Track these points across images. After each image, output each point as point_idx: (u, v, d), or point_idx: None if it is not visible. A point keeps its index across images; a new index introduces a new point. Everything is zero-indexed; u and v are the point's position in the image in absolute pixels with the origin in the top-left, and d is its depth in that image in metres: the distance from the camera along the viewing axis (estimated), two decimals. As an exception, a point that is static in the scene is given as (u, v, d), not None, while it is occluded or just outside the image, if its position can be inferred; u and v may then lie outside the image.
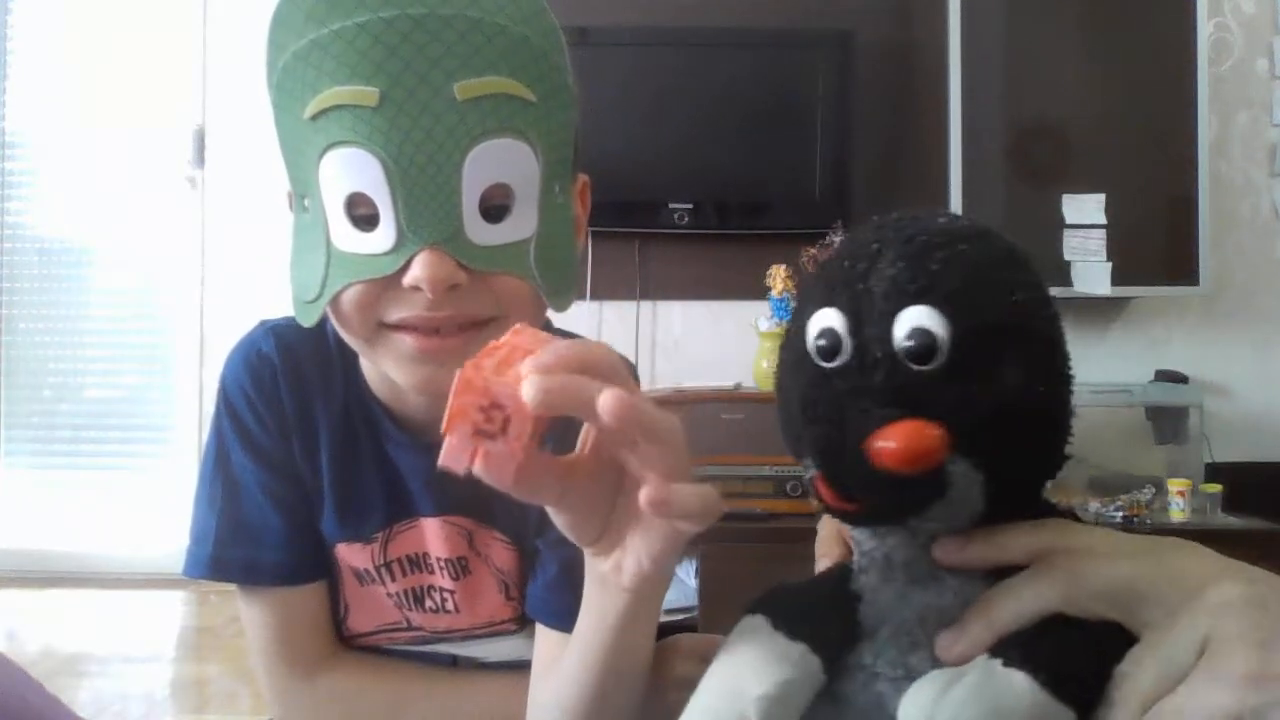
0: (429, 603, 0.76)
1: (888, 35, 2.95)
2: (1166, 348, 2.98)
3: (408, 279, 0.58)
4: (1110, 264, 2.69)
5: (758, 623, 0.44)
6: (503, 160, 0.58)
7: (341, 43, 0.54)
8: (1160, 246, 2.79)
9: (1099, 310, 2.89)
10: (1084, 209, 2.72)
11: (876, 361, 0.40)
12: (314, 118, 0.56)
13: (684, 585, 2.55)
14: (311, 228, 0.61)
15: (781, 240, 2.70)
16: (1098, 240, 2.71)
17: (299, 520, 0.74)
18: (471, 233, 0.58)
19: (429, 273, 0.57)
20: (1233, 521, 2.52)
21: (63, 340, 3.28)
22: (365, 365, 0.72)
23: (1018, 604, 0.39)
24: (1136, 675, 0.37)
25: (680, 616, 2.44)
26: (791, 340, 0.45)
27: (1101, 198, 2.74)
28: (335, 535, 0.75)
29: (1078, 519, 0.45)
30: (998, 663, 0.38)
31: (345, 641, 0.78)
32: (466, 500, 0.73)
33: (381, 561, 0.75)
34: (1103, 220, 2.73)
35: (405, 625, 0.78)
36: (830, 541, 0.48)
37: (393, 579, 0.75)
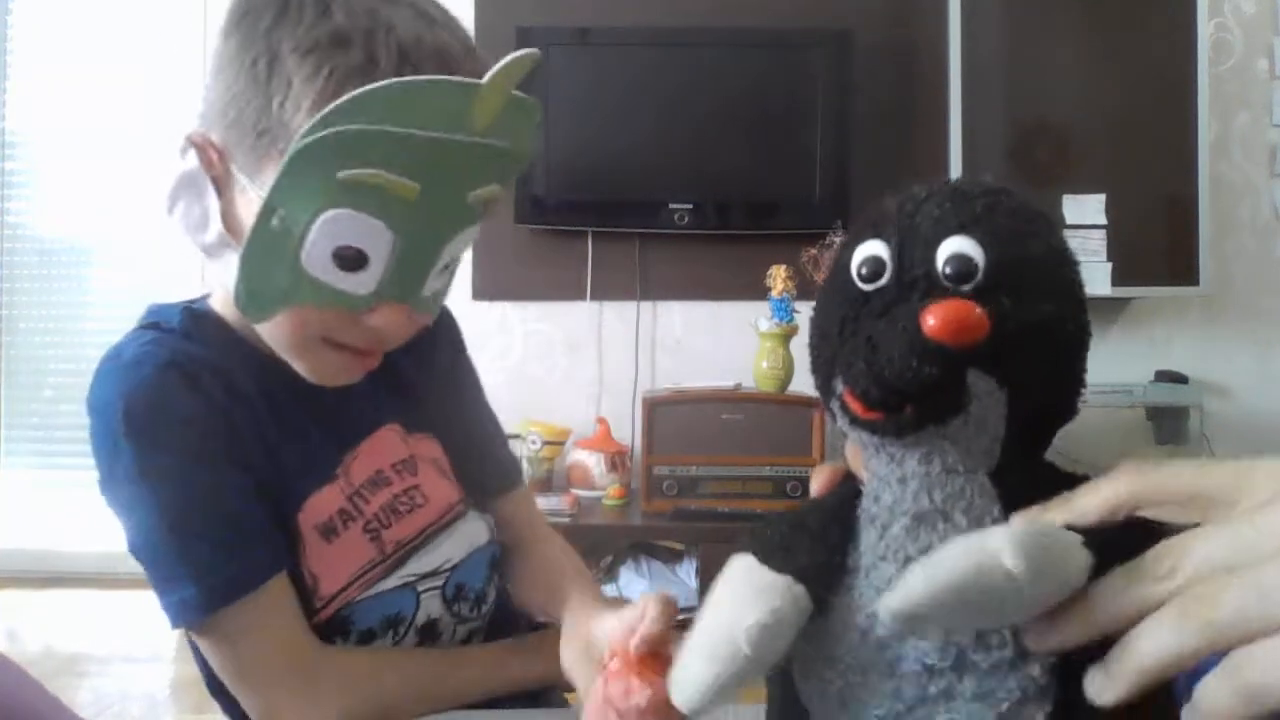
0: (402, 506, 0.81)
1: (888, 35, 2.95)
2: (1166, 348, 2.99)
3: (373, 321, 0.68)
4: (1110, 264, 2.69)
5: (744, 560, 0.44)
6: (470, 238, 0.70)
7: (411, 145, 0.62)
8: (1160, 246, 2.80)
9: (1099, 310, 2.87)
10: (1084, 209, 2.73)
11: (915, 280, 0.42)
12: (346, 180, 0.62)
13: (684, 585, 2.55)
14: (278, 239, 0.64)
15: (781, 240, 2.70)
16: (1098, 240, 2.71)
17: (263, 508, 0.74)
18: (426, 288, 0.70)
19: (394, 327, 0.69)
20: (1233, 521, 2.52)
21: (63, 340, 3.28)
22: (260, 342, 0.75)
23: (1101, 491, 0.37)
24: (1184, 544, 0.34)
25: (680, 616, 2.44)
26: (832, 275, 0.47)
27: (1101, 198, 2.74)
28: (309, 486, 0.76)
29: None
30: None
31: (314, 617, 0.76)
32: (389, 409, 0.83)
33: (353, 490, 0.78)
34: (1103, 220, 2.73)
35: (380, 558, 0.78)
36: (824, 469, 0.49)
37: (366, 502, 0.79)
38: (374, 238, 0.64)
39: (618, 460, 2.78)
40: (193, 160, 0.68)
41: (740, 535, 0.46)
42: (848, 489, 0.46)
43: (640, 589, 2.52)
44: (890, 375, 0.40)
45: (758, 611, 0.41)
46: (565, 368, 3.01)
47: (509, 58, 0.62)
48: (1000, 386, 0.41)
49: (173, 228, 0.70)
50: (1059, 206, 2.72)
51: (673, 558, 2.63)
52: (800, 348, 2.58)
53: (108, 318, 3.28)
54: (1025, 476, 0.42)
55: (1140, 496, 0.36)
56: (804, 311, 2.50)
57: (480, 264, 2.94)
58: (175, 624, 0.72)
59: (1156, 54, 2.78)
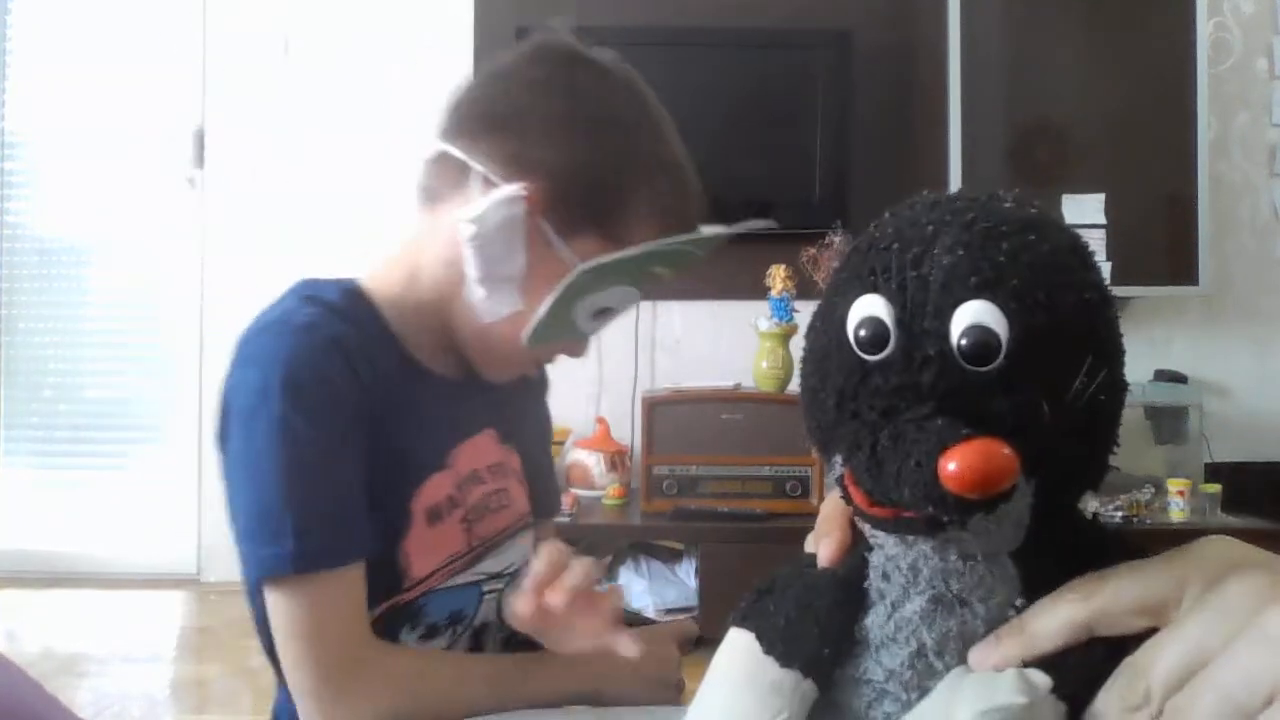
0: (492, 504, 0.88)
1: (887, 36, 2.95)
2: (1166, 348, 2.99)
3: (575, 351, 0.87)
4: (1110, 264, 2.69)
5: (747, 643, 0.41)
6: None
7: (697, 247, 0.82)
8: (1160, 246, 2.80)
9: (1099, 310, 2.89)
10: (1084, 209, 2.73)
11: (927, 360, 0.37)
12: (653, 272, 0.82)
13: (684, 585, 2.55)
14: (573, 296, 0.79)
15: (781, 240, 2.69)
16: (1098, 240, 2.71)
17: (377, 488, 0.79)
18: None
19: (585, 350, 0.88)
20: (1232, 521, 2.52)
21: (63, 340, 3.28)
22: (409, 328, 0.84)
23: (1051, 620, 0.37)
24: (1148, 660, 0.35)
25: (680, 616, 2.44)
26: (824, 325, 0.41)
27: (1101, 198, 2.74)
28: (426, 470, 0.82)
29: (1103, 528, 0.43)
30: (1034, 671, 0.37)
31: (397, 597, 0.80)
32: (489, 416, 0.90)
33: (460, 480, 0.85)
34: (1103, 220, 2.73)
35: (464, 551, 0.84)
36: (832, 521, 0.45)
37: (468, 494, 0.85)
38: (629, 300, 0.83)
39: (617, 460, 2.78)
40: (520, 207, 0.77)
41: (741, 591, 0.43)
42: (857, 559, 0.42)
43: (640, 589, 2.52)
44: (899, 504, 0.36)
45: None
46: (564, 367, 2.99)
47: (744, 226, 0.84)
48: (1029, 480, 0.36)
49: (457, 237, 0.78)
50: (1059, 206, 2.72)
51: (672, 557, 2.63)
52: (800, 347, 2.57)
53: (107, 318, 3.28)
54: (1051, 548, 0.39)
55: (1091, 623, 0.37)
56: (804, 311, 2.50)
57: (480, 264, 2.94)
58: (261, 572, 0.74)
59: (1156, 54, 2.78)
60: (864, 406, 0.38)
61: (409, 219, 0.85)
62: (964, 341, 0.36)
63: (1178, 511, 2.53)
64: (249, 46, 3.11)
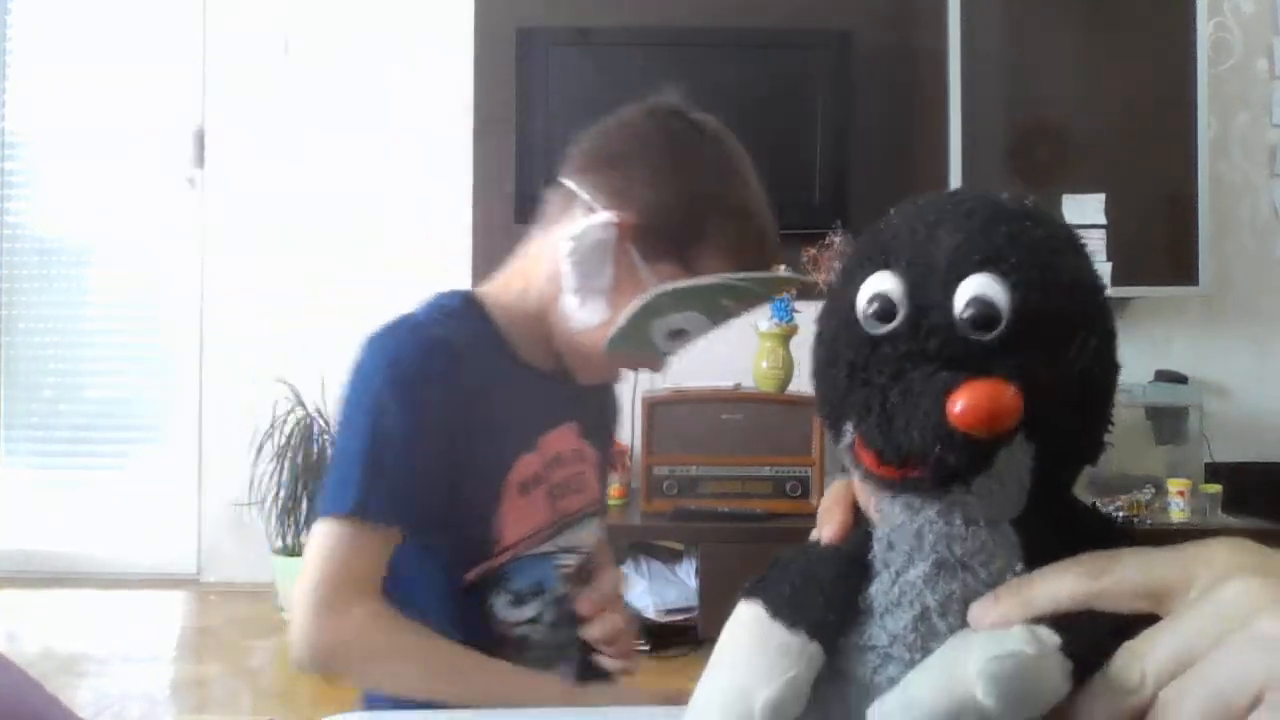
0: (572, 485, 1.01)
1: (887, 36, 2.95)
2: (1166, 348, 2.99)
3: (658, 367, 1.01)
4: (1110, 264, 2.69)
5: (754, 613, 0.43)
6: None
7: (760, 286, 0.95)
8: (1160, 246, 2.80)
9: (1099, 310, 2.90)
10: (1084, 209, 2.73)
11: (933, 328, 0.39)
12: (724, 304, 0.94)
13: (684, 585, 2.55)
14: (648, 315, 0.91)
15: (781, 240, 2.70)
16: (1098, 240, 2.71)
17: (472, 469, 0.91)
18: None
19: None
20: (1232, 521, 2.52)
21: (63, 340, 3.28)
22: (516, 331, 0.96)
23: (1054, 586, 0.38)
24: (1145, 647, 0.36)
25: (680, 617, 2.44)
26: (835, 308, 0.44)
27: (1101, 198, 2.74)
28: (519, 451, 0.94)
29: (1107, 519, 0.44)
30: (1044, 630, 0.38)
31: (489, 562, 0.91)
32: (571, 411, 1.01)
33: (545, 462, 0.97)
34: (1103, 220, 2.73)
35: (547, 524, 0.97)
36: (834, 508, 0.47)
37: (552, 473, 0.98)
38: (701, 327, 0.95)
39: (617, 460, 2.79)
40: (612, 232, 0.90)
41: (748, 562, 0.44)
42: (860, 535, 0.44)
43: (640, 589, 2.52)
44: (909, 451, 0.38)
45: (774, 683, 0.40)
46: (565, 368, 3.00)
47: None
48: (1028, 440, 0.39)
49: (559, 254, 0.91)
50: (1059, 206, 2.72)
51: (672, 558, 2.63)
52: (800, 347, 2.58)
53: (107, 318, 3.28)
54: (1051, 523, 0.41)
55: (1093, 599, 0.38)
56: (804, 311, 2.50)
57: (480, 263, 2.93)
58: (323, 510, 0.86)
59: (1156, 54, 2.78)
60: (874, 374, 0.40)
61: (530, 240, 0.99)
62: (968, 312, 0.38)
63: (1178, 512, 2.53)
64: (249, 46, 3.12)
